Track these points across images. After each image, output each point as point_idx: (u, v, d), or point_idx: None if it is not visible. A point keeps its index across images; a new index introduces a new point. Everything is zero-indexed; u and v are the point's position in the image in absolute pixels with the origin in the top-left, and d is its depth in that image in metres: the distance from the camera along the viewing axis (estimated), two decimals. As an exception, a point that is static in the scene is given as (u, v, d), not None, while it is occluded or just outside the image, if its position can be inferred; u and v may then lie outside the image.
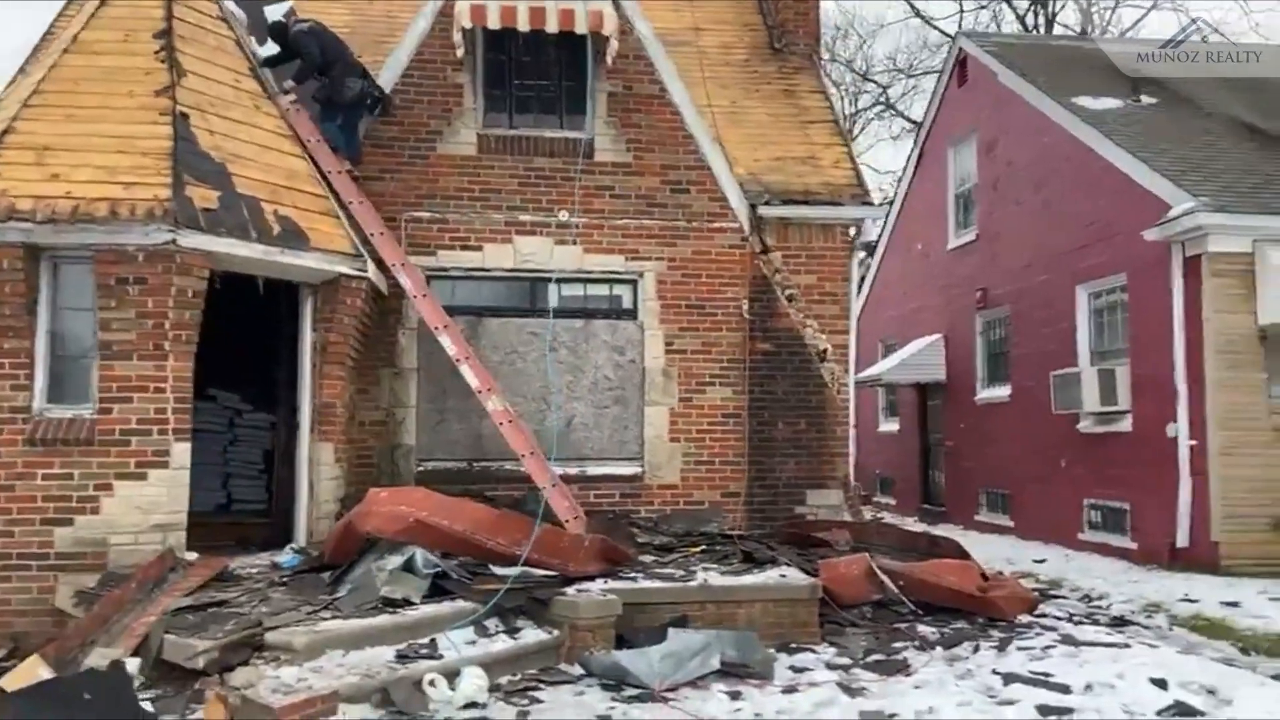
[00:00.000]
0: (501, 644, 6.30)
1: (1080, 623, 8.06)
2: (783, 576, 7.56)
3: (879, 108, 31.45)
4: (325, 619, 6.04)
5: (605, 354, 9.69)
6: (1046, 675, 6.26)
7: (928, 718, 5.56)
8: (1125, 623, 8.22)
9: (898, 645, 7.14)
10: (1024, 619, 7.94)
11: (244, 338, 9.61)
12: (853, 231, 10.51)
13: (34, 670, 5.44)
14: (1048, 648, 6.98)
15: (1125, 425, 11.75)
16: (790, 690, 6.05)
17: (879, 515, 17.23)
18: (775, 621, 7.19)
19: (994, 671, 6.38)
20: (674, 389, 9.70)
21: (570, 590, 6.86)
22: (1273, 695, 5.81)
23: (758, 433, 9.87)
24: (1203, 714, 5.52)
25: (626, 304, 9.84)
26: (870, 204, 10.51)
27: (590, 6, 9.13)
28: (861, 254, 23.18)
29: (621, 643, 6.64)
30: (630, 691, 5.96)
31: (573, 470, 9.35)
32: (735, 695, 5.95)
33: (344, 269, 8.18)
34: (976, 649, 7.01)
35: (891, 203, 19.51)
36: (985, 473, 15.19)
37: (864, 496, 19.61)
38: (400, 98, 9.61)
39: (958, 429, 16.23)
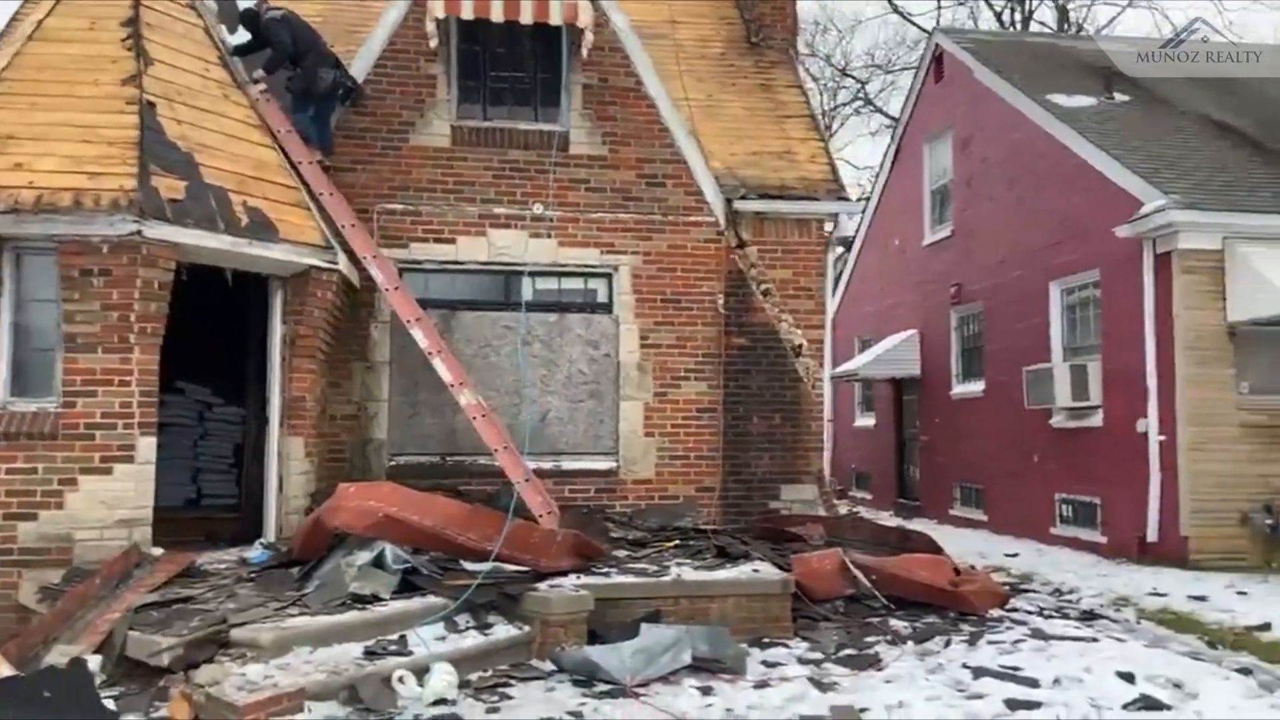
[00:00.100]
0: (472, 640, 6.26)
1: (1050, 617, 8.11)
2: (755, 571, 7.56)
3: (857, 103, 31.59)
4: (293, 615, 5.97)
5: (580, 348, 9.65)
6: (1016, 669, 6.29)
7: (897, 712, 5.56)
8: (1094, 616, 8.27)
9: (870, 640, 7.15)
10: (995, 613, 7.98)
11: (214, 330, 9.51)
12: (828, 226, 10.51)
13: (-5, 667, 5.35)
14: (1017, 642, 7.01)
15: (1097, 420, 11.84)
16: (762, 685, 6.04)
17: (855, 510, 17.32)
18: (748, 616, 7.18)
19: (964, 665, 6.40)
20: (649, 383, 9.68)
21: (542, 586, 6.82)
22: (1237, 689, 5.86)
23: (732, 427, 9.86)
24: (1169, 707, 5.56)
25: (601, 298, 9.81)
26: (846, 199, 10.52)
27: (565, -2, 9.07)
28: (839, 250, 23.29)
29: (594, 638, 6.62)
30: (601, 687, 5.93)
31: (547, 465, 9.32)
32: (707, 690, 5.93)
33: (314, 261, 8.09)
34: (948, 643, 7.03)
35: (868, 199, 19.55)
36: (960, 467, 15.28)
37: (840, 491, 19.75)
38: (372, 88, 9.52)
39: (933, 424, 16.31)
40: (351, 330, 9.28)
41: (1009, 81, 13.89)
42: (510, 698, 5.77)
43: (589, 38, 9.26)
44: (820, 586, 7.86)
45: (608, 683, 5.96)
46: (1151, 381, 10.75)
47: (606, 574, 7.32)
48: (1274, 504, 10.18)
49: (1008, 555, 11.67)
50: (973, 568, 9.69)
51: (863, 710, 5.55)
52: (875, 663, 6.57)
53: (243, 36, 9.32)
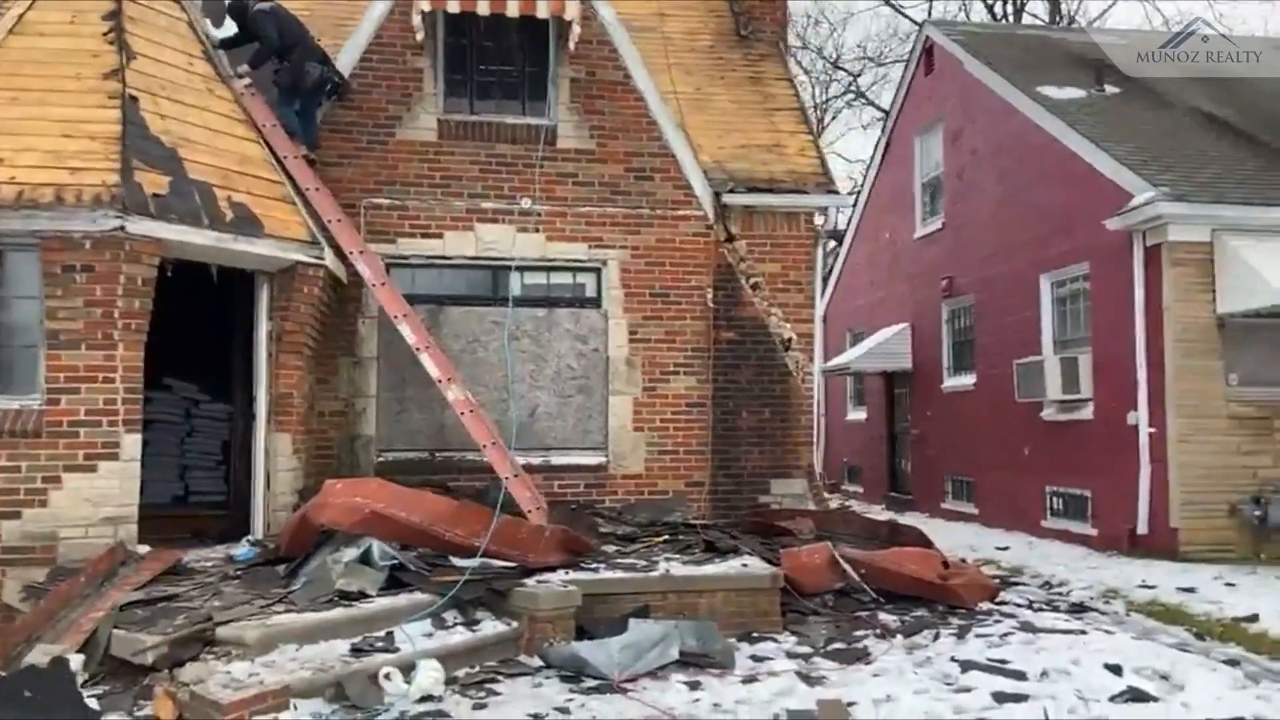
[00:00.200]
0: (459, 636, 6.24)
1: (1040, 610, 8.12)
2: (744, 566, 7.55)
3: (849, 96, 31.56)
4: (279, 613, 5.94)
5: (568, 343, 9.62)
6: (1003, 662, 6.30)
7: (885, 705, 5.56)
8: (1084, 609, 8.29)
9: (859, 634, 7.16)
10: (984, 606, 8.00)
11: (202, 327, 9.47)
12: (818, 220, 10.50)
13: (-24, 668, 5.31)
14: (1006, 635, 7.03)
15: (1087, 413, 11.84)
16: (750, 680, 6.04)
17: (846, 504, 17.30)
18: (737, 611, 7.18)
19: (952, 659, 6.41)
20: (638, 378, 9.65)
21: (530, 581, 6.80)
22: (1224, 680, 5.88)
23: (722, 422, 9.84)
24: (1155, 699, 5.57)
25: (590, 292, 9.77)
26: (835, 192, 10.48)
27: (552, -9, 9.02)
28: (831, 243, 23.28)
29: (582, 634, 6.61)
30: (589, 683, 5.92)
31: (537, 460, 9.30)
32: (694, 685, 5.93)
33: (300, 256, 8.04)
34: (936, 637, 7.04)
35: (859, 192, 19.53)
36: (951, 461, 15.29)
37: (832, 485, 19.75)
38: (358, 82, 9.46)
39: (924, 417, 16.32)
40: (339, 326, 9.23)
41: (999, 73, 13.87)
42: (497, 694, 5.75)
43: (576, 31, 9.20)
44: (809, 581, 7.86)
45: (596, 678, 5.96)
46: (1141, 374, 10.76)
47: (595, 569, 7.30)
48: (1263, 495, 10.19)
49: (998, 548, 11.68)
50: (963, 561, 9.69)
51: (850, 704, 5.54)
52: (864, 656, 6.57)
53: (229, 29, 9.25)
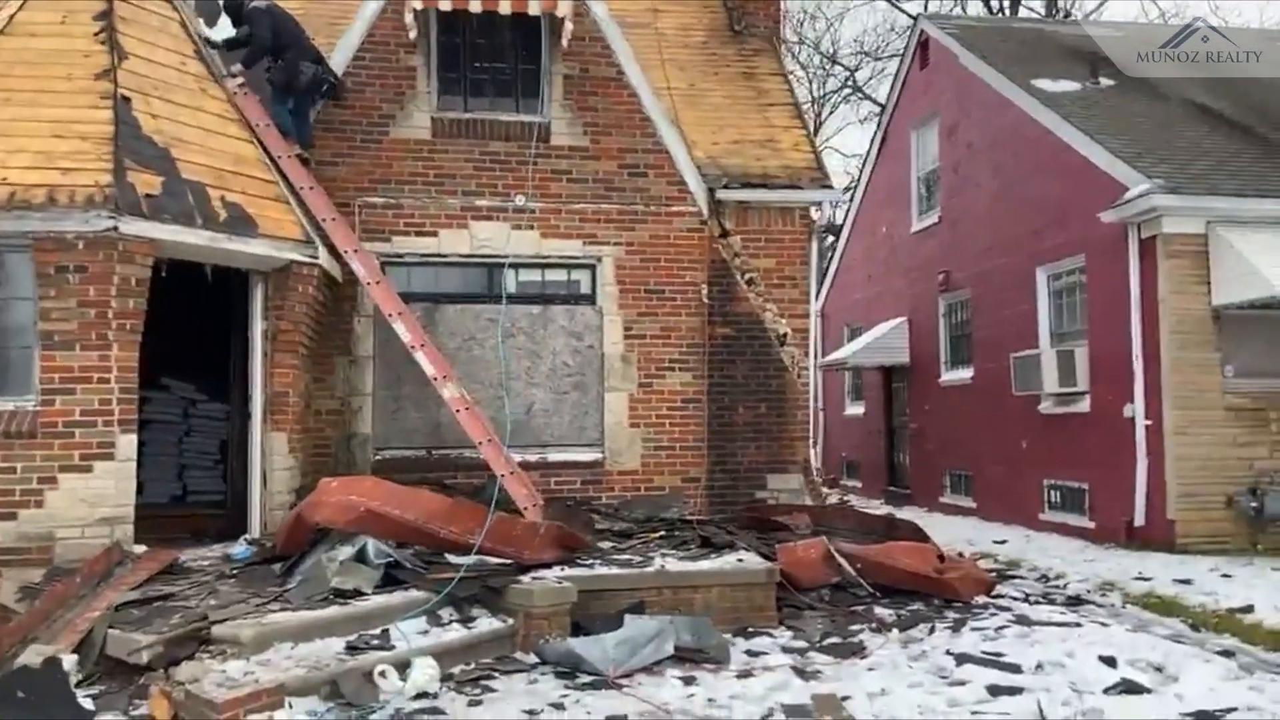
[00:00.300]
0: (455, 633, 6.24)
1: (1036, 603, 8.13)
2: (740, 561, 7.55)
3: (846, 91, 31.51)
4: (274, 611, 5.95)
5: (564, 340, 9.63)
6: (998, 655, 6.30)
7: (879, 699, 5.56)
8: (1080, 602, 8.30)
9: (854, 628, 7.16)
10: (980, 600, 7.99)
11: (199, 327, 9.48)
12: (813, 214, 10.49)
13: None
14: (1001, 628, 7.03)
15: (1084, 406, 11.85)
16: (745, 674, 6.04)
17: (845, 499, 17.32)
18: (732, 606, 7.18)
19: (947, 652, 6.41)
20: (633, 374, 9.66)
21: (525, 578, 6.80)
22: (1218, 671, 5.88)
23: (718, 418, 9.86)
24: (1149, 691, 5.57)
25: (585, 289, 9.78)
26: (829, 187, 10.50)
27: (544, -12, 9.02)
28: (829, 238, 23.28)
29: (578, 630, 6.61)
30: (584, 679, 5.92)
31: (533, 457, 9.32)
32: (689, 680, 5.93)
33: (294, 255, 8.05)
34: (932, 630, 7.05)
35: (856, 187, 19.52)
36: (949, 455, 15.29)
37: (831, 480, 19.77)
38: (352, 80, 9.46)
39: (922, 411, 16.33)
40: (334, 324, 9.24)
41: (994, 67, 13.87)
42: (493, 690, 5.75)
43: (569, 27, 9.20)
44: (805, 575, 7.87)
45: (591, 674, 5.95)
46: (1138, 366, 10.76)
47: (590, 566, 7.31)
48: (1259, 487, 10.20)
49: (996, 542, 11.68)
50: (961, 555, 9.72)
51: (844, 698, 5.54)
52: (859, 651, 6.57)
53: (226, 28, 9.25)
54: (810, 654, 6.54)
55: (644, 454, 9.61)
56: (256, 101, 8.82)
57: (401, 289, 9.09)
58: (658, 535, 8.36)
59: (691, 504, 9.42)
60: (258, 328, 8.24)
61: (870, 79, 32.67)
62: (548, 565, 7.12)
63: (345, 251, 8.71)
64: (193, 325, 9.23)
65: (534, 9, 9.05)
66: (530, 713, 5.35)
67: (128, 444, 7.10)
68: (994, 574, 9.16)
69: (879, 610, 7.58)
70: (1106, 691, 5.56)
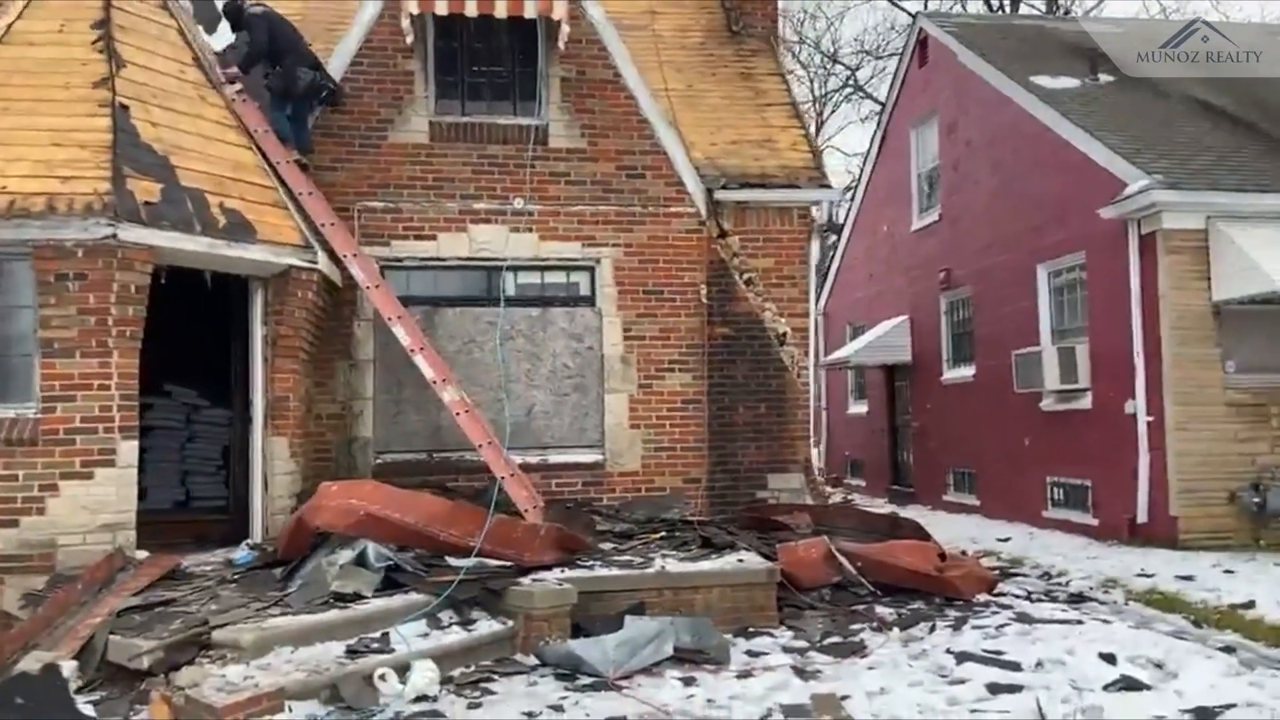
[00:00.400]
0: (454, 636, 6.26)
1: (1039, 600, 8.12)
2: (740, 561, 7.56)
3: (848, 90, 31.50)
4: (274, 615, 5.97)
5: (563, 341, 9.64)
6: (998, 653, 6.30)
7: (879, 698, 5.56)
8: (1082, 599, 8.28)
9: (855, 627, 7.16)
10: (982, 598, 7.99)
11: (201, 333, 9.49)
12: (811, 214, 10.49)
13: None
14: (1002, 626, 7.03)
15: (1085, 403, 11.83)
16: (745, 675, 6.05)
17: (849, 498, 17.32)
18: (732, 606, 7.18)
19: (947, 651, 6.41)
20: (633, 375, 9.67)
21: (525, 580, 6.82)
22: (1219, 667, 5.87)
23: (718, 418, 9.86)
24: (1148, 687, 5.57)
25: (584, 291, 9.79)
26: (828, 186, 10.49)
27: (540, -10, 9.04)
28: (831, 237, 23.27)
29: (578, 631, 6.62)
30: (584, 681, 5.93)
31: (534, 459, 9.33)
32: (689, 681, 5.94)
33: (294, 261, 8.08)
34: (932, 629, 7.05)
35: (856, 186, 19.51)
36: (952, 453, 15.27)
37: (835, 479, 19.77)
38: (350, 86, 9.49)
39: (925, 410, 16.30)
40: (335, 329, 9.27)
41: (992, 64, 13.84)
42: (492, 693, 5.77)
43: (565, 30, 9.22)
44: (806, 575, 7.87)
45: (591, 676, 5.96)
46: (1139, 362, 10.73)
47: (590, 567, 7.32)
48: (1261, 482, 10.17)
49: (999, 540, 11.67)
50: (963, 553, 9.71)
51: (844, 698, 5.55)
52: (859, 650, 6.58)
53: (226, 35, 9.29)
54: (810, 653, 6.55)
55: (644, 455, 9.62)
56: (255, 108, 8.85)
57: (401, 293, 9.11)
58: (659, 536, 8.37)
59: (692, 504, 9.43)
60: (258, 333, 8.27)
61: (871, 78, 32.62)
62: (548, 567, 7.13)
63: (344, 256, 8.74)
64: (194, 331, 9.25)
65: (530, 11, 9.07)
66: (529, 715, 5.37)
67: (128, 450, 7.13)
68: (996, 572, 9.16)
69: (880, 609, 7.59)
70: (1106, 689, 5.56)
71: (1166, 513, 10.41)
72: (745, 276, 10.00)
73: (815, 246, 10.96)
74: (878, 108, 28.45)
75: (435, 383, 8.51)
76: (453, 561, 6.93)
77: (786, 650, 6.63)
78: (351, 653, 5.75)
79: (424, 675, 5.65)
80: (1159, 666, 5.91)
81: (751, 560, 7.60)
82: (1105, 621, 7.24)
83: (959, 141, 15.06)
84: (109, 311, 7.00)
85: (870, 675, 5.98)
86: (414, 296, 9.40)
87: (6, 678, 5.07)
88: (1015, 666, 6.02)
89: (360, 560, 6.62)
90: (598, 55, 9.76)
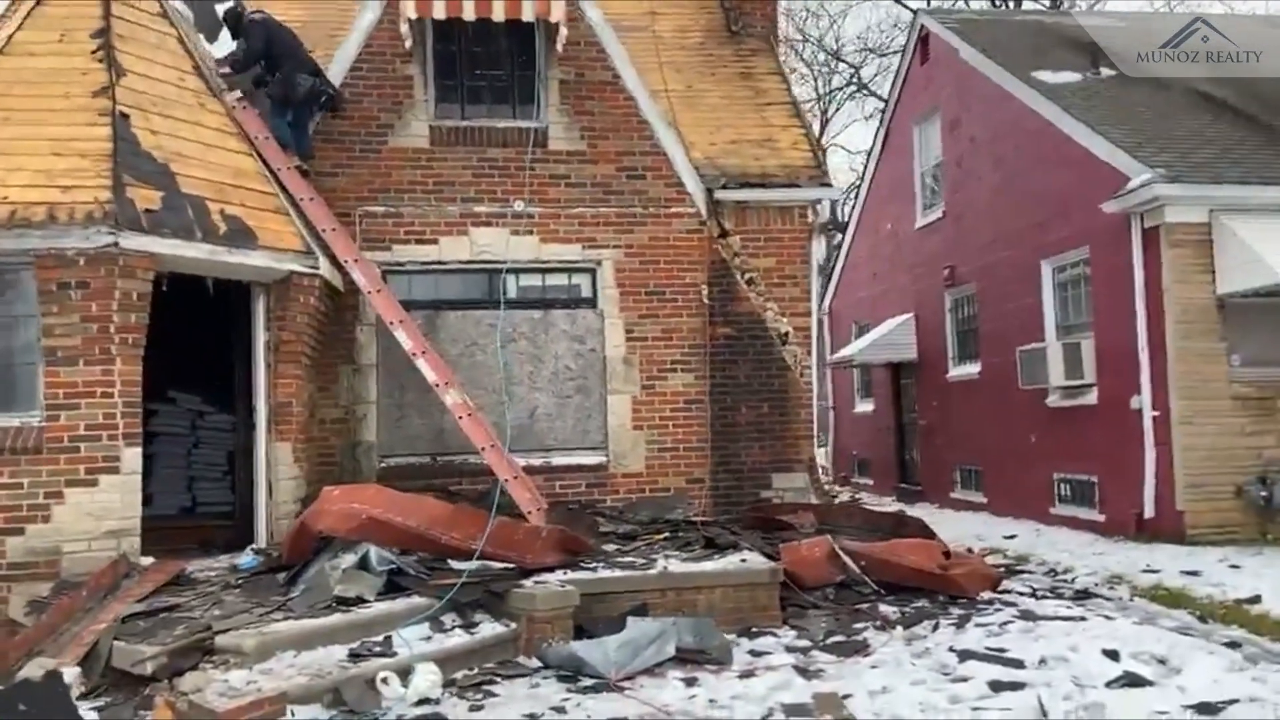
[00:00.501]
0: (457, 639, 6.28)
1: (1043, 597, 8.09)
2: (743, 561, 7.55)
3: (851, 88, 31.44)
4: (277, 620, 5.99)
5: (565, 343, 9.66)
6: (1001, 651, 6.29)
7: (881, 697, 5.56)
8: (1088, 596, 8.26)
9: (858, 626, 7.16)
10: (986, 595, 7.97)
11: (205, 339, 9.55)
12: (814, 212, 10.48)
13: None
14: (1005, 623, 7.01)
15: (1091, 399, 11.78)
16: (747, 675, 6.05)
17: (856, 496, 17.32)
18: (735, 606, 7.18)
19: (951, 649, 6.40)
20: (635, 377, 9.67)
21: (528, 582, 6.83)
22: (1222, 663, 5.85)
23: (721, 418, 9.86)
24: (1151, 684, 5.55)
25: (585, 293, 9.80)
26: (828, 185, 10.50)
27: (537, -6, 9.05)
28: (836, 235, 23.23)
29: (581, 633, 6.63)
30: (586, 682, 5.95)
31: (537, 461, 9.34)
32: (691, 682, 5.95)
33: (295, 266, 8.11)
34: (936, 627, 7.03)
35: (860, 184, 19.48)
36: (958, 450, 15.23)
37: (842, 478, 19.75)
38: (350, 91, 9.51)
39: (931, 407, 16.27)
40: (337, 334, 9.29)
41: (994, 60, 13.81)
42: (495, 695, 5.78)
43: (563, 32, 9.23)
44: (810, 574, 7.86)
45: (593, 677, 5.98)
46: (1144, 357, 10.70)
47: (593, 569, 7.33)
48: (1268, 476, 10.12)
49: (1006, 537, 11.65)
50: (969, 551, 9.70)
51: (846, 696, 5.55)
52: (862, 649, 6.57)
53: (226, 43, 9.33)
54: (813, 653, 6.54)
55: (648, 456, 9.62)
56: (255, 115, 8.89)
57: (402, 297, 9.14)
58: (662, 537, 8.37)
59: (696, 505, 9.41)
60: (260, 339, 8.30)
61: (875, 75, 32.55)
62: (550, 569, 7.14)
63: (346, 261, 8.77)
64: (197, 338, 9.30)
65: (528, 14, 9.09)
66: (531, 717, 5.38)
67: (132, 457, 7.16)
68: (1002, 569, 9.14)
69: (883, 608, 7.57)
70: (1109, 685, 5.54)
71: (1173, 508, 10.37)
72: (747, 276, 10.01)
73: (817, 245, 10.95)
74: (881, 105, 28.44)
75: (438, 386, 8.54)
76: (455, 564, 6.94)
77: (789, 650, 6.62)
78: (354, 656, 5.77)
79: (426, 678, 5.67)
80: (1162, 662, 5.89)
81: (754, 560, 7.59)
82: (1109, 618, 7.22)
83: (962, 138, 15.03)
84: (111, 319, 7.04)
85: (873, 674, 5.97)
86: (416, 300, 9.42)
87: (9, 684, 5.10)
88: (1018, 664, 6.00)
89: (363, 564, 6.64)
90: (596, 57, 9.77)
